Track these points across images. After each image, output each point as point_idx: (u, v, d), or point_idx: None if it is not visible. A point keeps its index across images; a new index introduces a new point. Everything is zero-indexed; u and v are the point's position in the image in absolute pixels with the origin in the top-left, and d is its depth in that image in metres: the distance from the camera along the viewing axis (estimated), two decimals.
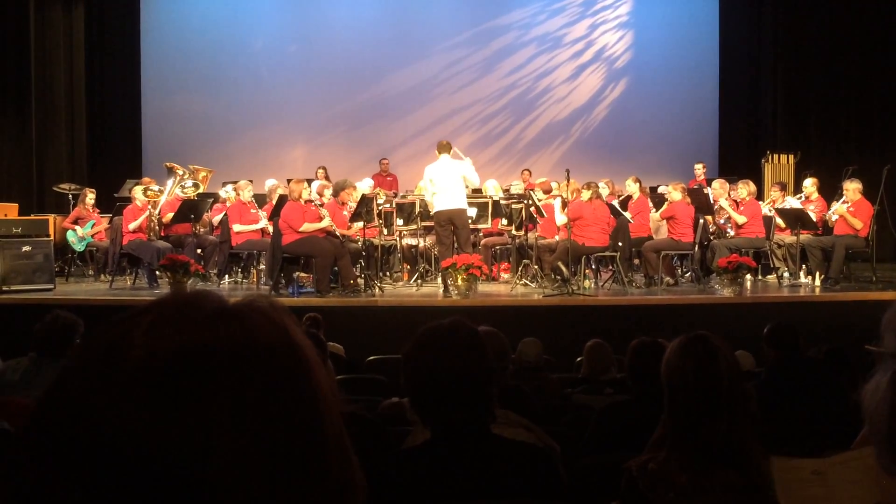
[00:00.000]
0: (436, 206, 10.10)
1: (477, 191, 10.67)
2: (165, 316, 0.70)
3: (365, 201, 10.24)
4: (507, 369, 3.75)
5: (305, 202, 9.93)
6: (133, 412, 0.65)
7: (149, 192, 10.54)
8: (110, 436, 0.64)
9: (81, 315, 4.86)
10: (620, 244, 10.54)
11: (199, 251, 10.69)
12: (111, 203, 11.99)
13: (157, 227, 10.51)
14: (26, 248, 10.01)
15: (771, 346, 5.04)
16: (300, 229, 9.62)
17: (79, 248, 11.53)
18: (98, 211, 11.85)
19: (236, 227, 10.51)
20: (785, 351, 4.98)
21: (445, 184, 9.94)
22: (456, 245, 9.95)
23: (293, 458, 0.69)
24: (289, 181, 11.54)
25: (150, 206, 10.49)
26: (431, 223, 10.69)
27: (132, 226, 10.33)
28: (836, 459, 1.09)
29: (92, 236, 11.51)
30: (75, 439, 0.65)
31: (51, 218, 11.94)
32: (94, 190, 11.99)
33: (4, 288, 9.63)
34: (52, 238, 10.79)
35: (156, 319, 0.70)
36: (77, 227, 11.44)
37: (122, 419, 0.65)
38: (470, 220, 10.32)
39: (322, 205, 10.26)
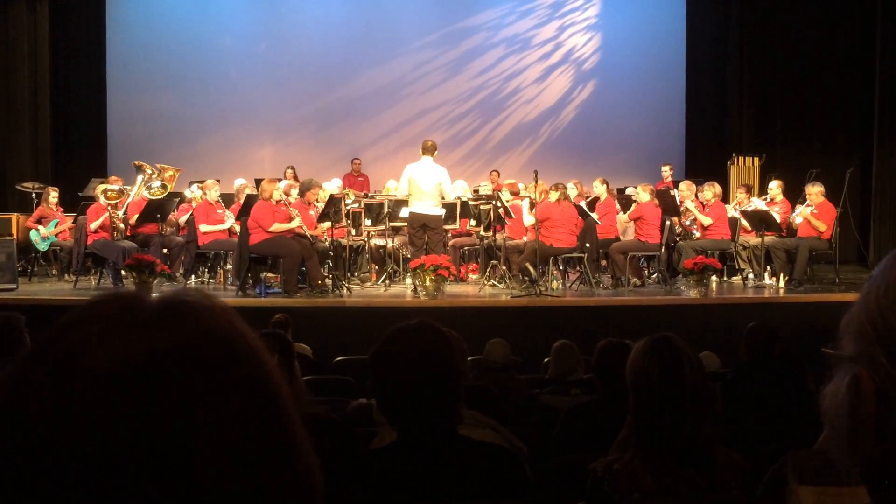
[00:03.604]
0: (411, 208, 10.10)
1: None
2: (116, 320, 0.69)
3: (333, 201, 10.21)
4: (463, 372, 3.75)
5: (276, 202, 9.88)
6: (111, 420, 0.64)
7: (108, 193, 10.37)
8: (86, 446, 0.64)
9: (45, 315, 4.81)
10: (588, 245, 10.60)
11: (165, 251, 10.59)
12: (76, 202, 11.85)
13: (122, 227, 10.39)
14: None
15: (746, 346, 5.09)
16: (270, 229, 9.57)
17: (42, 247, 11.38)
18: (62, 210, 11.70)
19: (203, 227, 10.42)
20: (757, 352, 5.03)
21: (423, 187, 9.95)
22: (427, 247, 9.96)
23: (269, 446, 0.69)
24: (257, 181, 11.49)
25: (109, 207, 10.32)
26: (400, 224, 10.69)
27: (94, 225, 10.20)
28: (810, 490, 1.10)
29: (55, 235, 11.37)
30: (39, 454, 0.64)
31: (13, 217, 11.80)
32: (57, 189, 11.84)
33: None
34: (14, 237, 10.64)
35: (107, 325, 0.69)
36: (40, 227, 11.30)
37: (100, 429, 0.64)
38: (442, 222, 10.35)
39: (290, 204, 10.21)
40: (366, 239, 11.27)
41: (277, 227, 9.64)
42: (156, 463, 0.64)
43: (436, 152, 10.19)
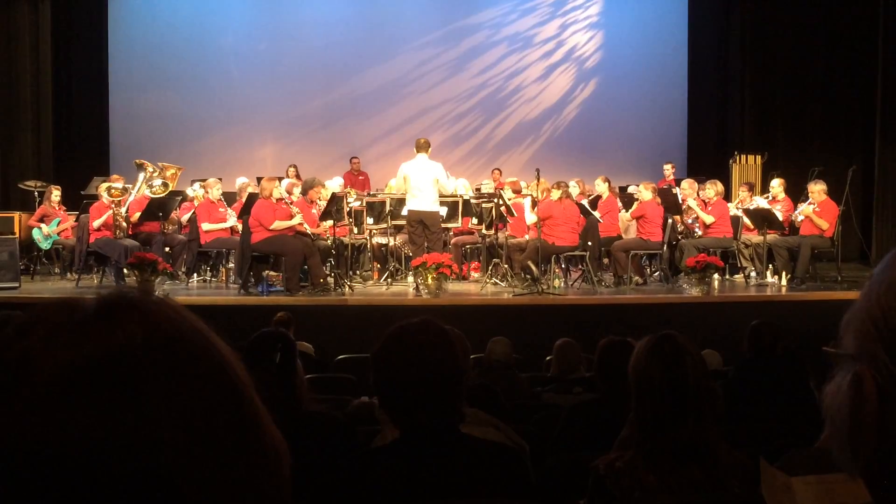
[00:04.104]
0: (408, 205, 10.13)
1: None
2: (58, 325, 0.69)
3: (335, 200, 10.22)
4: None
5: (277, 200, 9.89)
6: (68, 425, 0.64)
7: (112, 191, 10.39)
8: (47, 454, 0.63)
9: None
10: (590, 243, 10.60)
11: (167, 249, 10.61)
12: (78, 201, 11.85)
13: (124, 225, 10.39)
14: None
15: (749, 344, 5.09)
16: (271, 227, 9.57)
17: (45, 246, 11.38)
18: (64, 209, 11.70)
19: (205, 226, 10.43)
20: (759, 350, 5.03)
21: (419, 184, 9.99)
22: (426, 245, 9.98)
23: (234, 430, 0.69)
24: (259, 179, 11.50)
25: (112, 205, 10.32)
26: (401, 222, 10.70)
27: (96, 223, 10.20)
28: (806, 480, 1.10)
29: (58, 234, 11.38)
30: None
31: (16, 215, 11.80)
32: (59, 187, 11.84)
33: None
34: (17, 236, 10.64)
35: (50, 331, 0.68)
36: (43, 225, 11.30)
37: (57, 435, 0.63)
38: (441, 219, 10.36)
39: (292, 203, 10.22)
40: (368, 237, 11.27)
41: (278, 224, 9.65)
42: (121, 461, 0.64)
43: (429, 149, 10.22)
